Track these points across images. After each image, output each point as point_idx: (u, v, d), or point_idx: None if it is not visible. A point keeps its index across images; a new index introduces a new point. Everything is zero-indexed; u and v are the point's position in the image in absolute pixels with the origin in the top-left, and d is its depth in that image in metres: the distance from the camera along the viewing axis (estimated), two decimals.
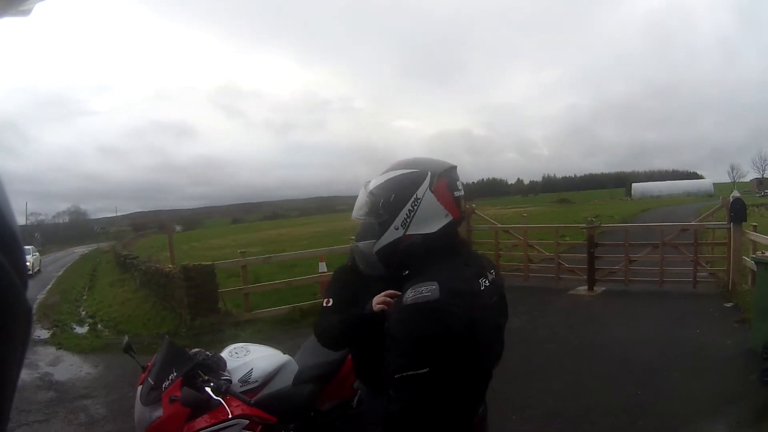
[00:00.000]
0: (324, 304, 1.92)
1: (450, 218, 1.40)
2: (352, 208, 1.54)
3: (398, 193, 1.40)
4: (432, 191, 1.39)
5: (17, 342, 0.41)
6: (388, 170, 1.45)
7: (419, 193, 1.39)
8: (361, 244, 1.48)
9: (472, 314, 1.28)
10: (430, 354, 1.24)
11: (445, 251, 1.40)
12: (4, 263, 0.38)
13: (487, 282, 1.41)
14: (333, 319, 1.85)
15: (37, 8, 0.88)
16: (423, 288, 1.27)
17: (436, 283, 1.26)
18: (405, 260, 1.43)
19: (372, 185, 1.45)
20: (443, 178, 1.40)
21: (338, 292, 1.93)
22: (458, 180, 1.45)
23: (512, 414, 3.96)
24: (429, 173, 1.40)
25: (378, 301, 1.68)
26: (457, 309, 1.26)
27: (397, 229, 1.40)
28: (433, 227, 1.39)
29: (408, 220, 1.39)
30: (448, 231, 1.41)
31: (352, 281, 1.90)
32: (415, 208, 1.39)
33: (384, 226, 1.41)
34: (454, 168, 1.46)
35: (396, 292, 1.67)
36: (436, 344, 1.24)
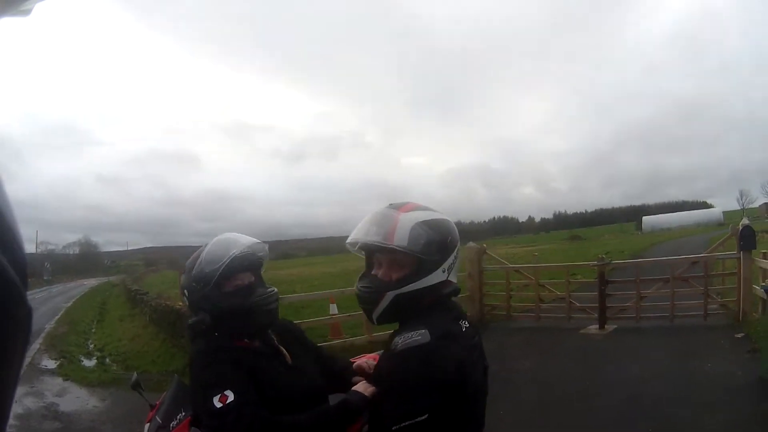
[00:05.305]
0: (219, 403, 1.34)
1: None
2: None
3: (452, 237, 1.38)
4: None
5: (17, 342, 0.41)
6: (425, 208, 1.40)
7: (459, 244, 1.42)
8: (407, 287, 1.33)
9: (461, 354, 1.29)
10: (427, 399, 1.22)
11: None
12: (4, 263, 0.38)
13: (466, 323, 1.41)
14: (290, 420, 1.38)
15: (37, 8, 0.93)
16: (413, 333, 1.26)
17: (425, 328, 1.26)
18: (423, 306, 1.35)
19: (421, 218, 1.35)
20: None
21: (237, 379, 1.41)
22: None
23: None
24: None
25: (364, 387, 1.44)
26: (446, 350, 1.26)
27: (444, 272, 1.36)
28: (455, 279, 1.42)
29: (452, 266, 1.39)
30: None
31: (240, 358, 1.48)
32: (457, 257, 1.40)
33: (430, 267, 1.33)
34: None
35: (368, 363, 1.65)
36: (432, 388, 1.23)
